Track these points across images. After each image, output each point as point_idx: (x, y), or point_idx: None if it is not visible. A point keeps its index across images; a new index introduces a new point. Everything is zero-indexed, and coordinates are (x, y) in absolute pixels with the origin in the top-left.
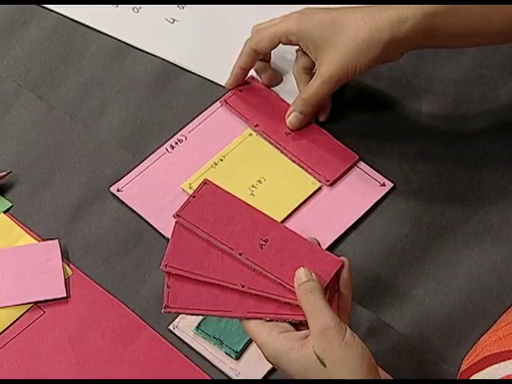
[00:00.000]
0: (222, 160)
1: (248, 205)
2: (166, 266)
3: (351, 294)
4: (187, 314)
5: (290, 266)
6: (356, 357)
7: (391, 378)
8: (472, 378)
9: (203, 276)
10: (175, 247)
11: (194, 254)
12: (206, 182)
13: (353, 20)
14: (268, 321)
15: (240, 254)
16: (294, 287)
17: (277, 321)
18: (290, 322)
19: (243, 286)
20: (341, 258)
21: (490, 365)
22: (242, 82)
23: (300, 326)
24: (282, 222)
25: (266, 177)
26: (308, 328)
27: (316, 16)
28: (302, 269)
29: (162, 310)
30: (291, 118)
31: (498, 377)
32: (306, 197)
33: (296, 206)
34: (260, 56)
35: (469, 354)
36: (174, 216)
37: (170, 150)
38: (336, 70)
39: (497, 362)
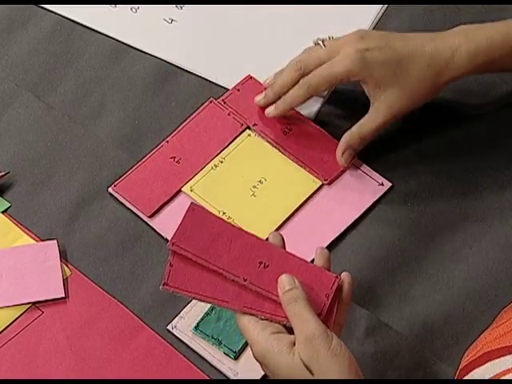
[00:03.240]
0: (222, 162)
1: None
2: (173, 244)
3: (347, 308)
4: (184, 295)
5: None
6: (342, 365)
7: None
8: (472, 373)
9: (208, 262)
10: (185, 228)
11: (202, 238)
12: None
13: (418, 65)
14: (262, 319)
15: (245, 280)
16: None
17: (271, 321)
18: (284, 325)
19: (245, 280)
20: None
21: (490, 360)
22: None
23: (293, 330)
24: (284, 221)
25: (267, 177)
26: None
27: (379, 55)
28: (284, 276)
29: (160, 287)
30: (346, 157)
31: (497, 371)
32: (307, 195)
33: (298, 204)
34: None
35: (469, 350)
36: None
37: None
38: (398, 111)
39: (497, 357)
